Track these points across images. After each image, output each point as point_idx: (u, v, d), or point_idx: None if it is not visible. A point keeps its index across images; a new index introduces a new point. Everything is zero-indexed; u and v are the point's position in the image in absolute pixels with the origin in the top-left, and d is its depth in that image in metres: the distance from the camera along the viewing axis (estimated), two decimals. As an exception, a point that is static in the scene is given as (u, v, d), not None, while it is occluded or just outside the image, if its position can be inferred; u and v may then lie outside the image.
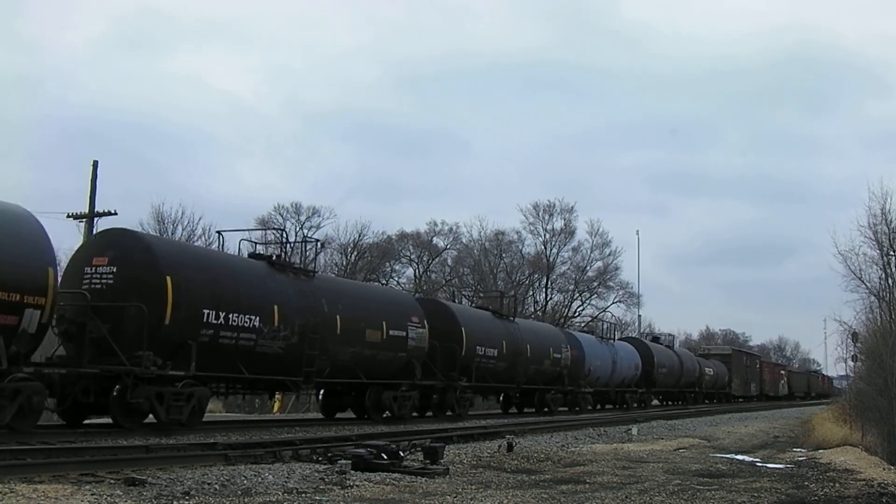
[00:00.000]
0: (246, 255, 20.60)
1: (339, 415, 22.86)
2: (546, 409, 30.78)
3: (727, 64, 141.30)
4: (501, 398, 31.75)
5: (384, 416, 21.73)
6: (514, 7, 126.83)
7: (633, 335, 55.62)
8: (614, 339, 40.85)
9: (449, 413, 24.67)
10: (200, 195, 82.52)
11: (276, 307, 17.71)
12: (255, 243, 21.66)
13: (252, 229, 21.69)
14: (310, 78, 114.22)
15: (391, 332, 21.60)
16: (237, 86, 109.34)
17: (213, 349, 16.14)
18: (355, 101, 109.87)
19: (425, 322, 23.33)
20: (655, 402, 48.17)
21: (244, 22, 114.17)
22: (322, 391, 22.93)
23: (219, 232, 20.92)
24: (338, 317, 19.64)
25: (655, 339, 51.72)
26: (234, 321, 16.59)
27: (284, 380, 18.66)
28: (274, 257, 19.31)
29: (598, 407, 38.81)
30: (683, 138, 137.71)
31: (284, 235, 21.58)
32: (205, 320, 15.99)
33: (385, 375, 21.70)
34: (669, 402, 49.19)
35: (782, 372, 77.28)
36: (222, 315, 16.33)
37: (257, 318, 17.13)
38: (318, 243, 22.04)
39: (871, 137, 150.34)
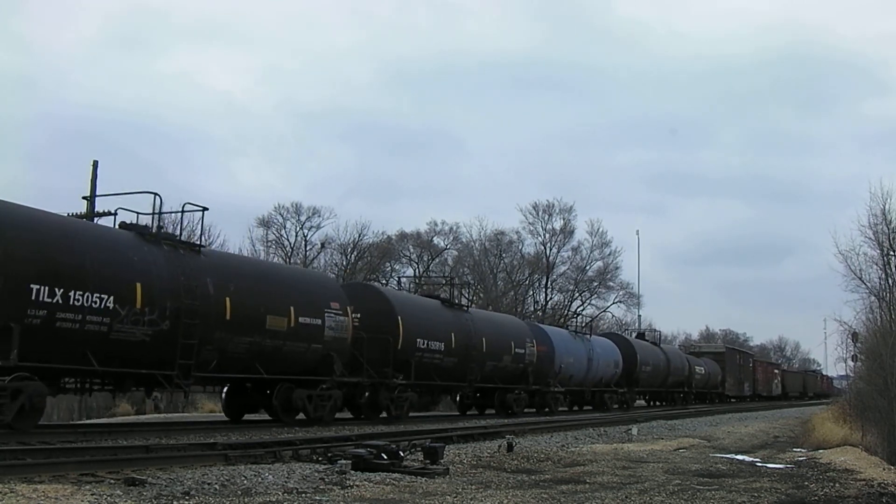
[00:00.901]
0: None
1: (248, 416, 20.06)
2: (510, 411, 27.72)
3: (722, 63, 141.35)
4: (459, 398, 29.08)
5: (296, 417, 19.11)
6: (506, 5, 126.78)
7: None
8: (590, 334, 37.69)
9: (384, 415, 21.85)
10: (197, 195, 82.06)
11: (138, 285, 14.80)
12: (140, 214, 16.77)
13: (126, 192, 16.86)
14: (303, 78, 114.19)
15: (301, 320, 18.60)
16: (231, 85, 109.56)
17: (47, 335, 13.37)
18: (349, 100, 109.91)
19: (348, 309, 20.28)
20: (642, 402, 46.29)
21: (237, 22, 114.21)
22: (225, 389, 19.87)
23: (85, 198, 17.43)
24: (227, 299, 16.61)
25: (640, 335, 48.87)
26: (78, 300, 13.64)
27: (153, 374, 15.54)
28: (150, 228, 16.24)
29: (575, 409, 36.41)
30: (679, 137, 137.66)
31: (158, 201, 16.50)
32: (33, 298, 13.09)
33: (296, 370, 18.76)
34: (656, 403, 47.15)
35: (776, 371, 75.09)
36: (59, 292, 13.36)
37: (111, 297, 14.18)
38: (204, 210, 17.54)
39: (868, 136, 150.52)
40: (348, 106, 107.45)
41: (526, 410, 29.39)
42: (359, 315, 20.85)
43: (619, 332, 51.35)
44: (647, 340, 46.18)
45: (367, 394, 21.72)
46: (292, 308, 18.51)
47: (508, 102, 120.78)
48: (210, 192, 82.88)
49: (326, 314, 19.50)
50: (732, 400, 57.70)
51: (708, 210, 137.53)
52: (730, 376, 57.19)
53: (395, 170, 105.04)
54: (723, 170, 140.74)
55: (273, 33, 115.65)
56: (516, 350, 28.07)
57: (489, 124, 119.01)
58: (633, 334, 53.48)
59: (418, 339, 22.66)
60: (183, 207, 17.50)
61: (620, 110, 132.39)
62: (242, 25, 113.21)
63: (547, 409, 30.59)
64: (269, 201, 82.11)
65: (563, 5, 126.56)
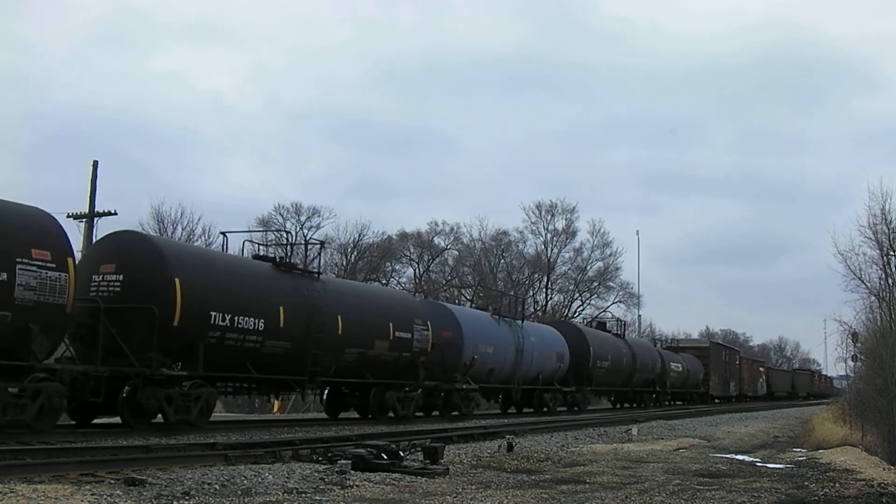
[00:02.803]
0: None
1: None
2: (392, 414, 21.67)
3: (711, 61, 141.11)
4: (327, 394, 22.89)
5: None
6: (491, 2, 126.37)
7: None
8: (522, 320, 30.85)
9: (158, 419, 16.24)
10: (190, 194, 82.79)
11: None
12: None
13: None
14: (291, 76, 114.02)
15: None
16: (219, 85, 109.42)
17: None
18: (338, 99, 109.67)
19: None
20: (606, 403, 41.70)
21: (224, 20, 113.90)
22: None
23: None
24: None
25: (601, 325, 42.26)
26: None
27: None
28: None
29: (511, 411, 31.09)
30: (671, 136, 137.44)
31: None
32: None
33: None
34: (619, 406, 41.67)
35: (761, 369, 69.02)
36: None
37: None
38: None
39: (859, 135, 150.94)
40: (337, 105, 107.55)
41: (417, 415, 23.87)
42: (120, 277, 15.62)
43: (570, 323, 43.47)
44: (608, 331, 40.21)
45: (127, 389, 15.58)
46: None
47: (498, 101, 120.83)
48: (203, 191, 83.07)
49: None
50: (717, 401, 52.99)
51: (701, 209, 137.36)
52: (714, 374, 52.12)
53: (388, 169, 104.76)
54: (715, 169, 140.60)
55: (260, 32, 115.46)
56: (398, 334, 21.67)
57: (480, 123, 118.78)
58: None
59: (214, 313, 16.27)
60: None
61: (611, 109, 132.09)
62: (229, 24, 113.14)
63: (456, 413, 24.87)
64: (263, 201, 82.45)
65: (548, 2, 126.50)
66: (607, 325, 42.36)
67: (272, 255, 19.93)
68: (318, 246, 22.19)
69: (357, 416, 22.57)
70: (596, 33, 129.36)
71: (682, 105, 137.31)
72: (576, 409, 33.48)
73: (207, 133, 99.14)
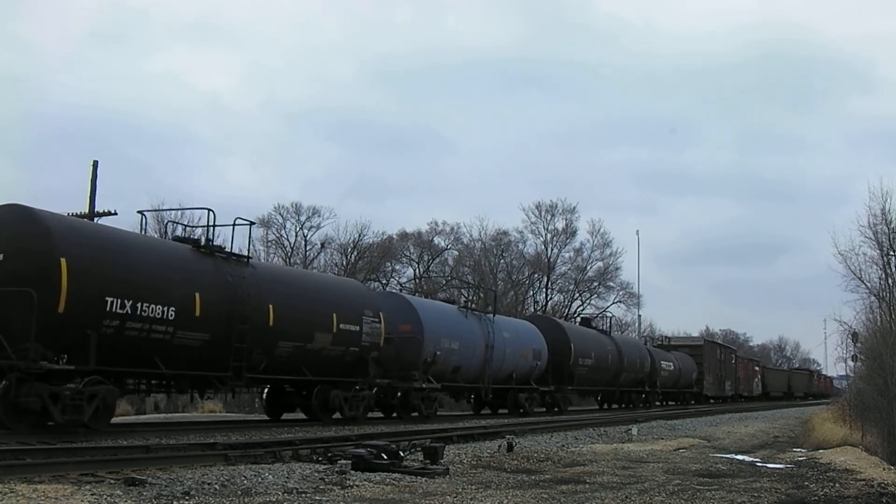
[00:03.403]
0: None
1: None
2: (339, 415, 19.93)
3: (707, 61, 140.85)
4: (267, 393, 21.06)
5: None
6: (485, 0, 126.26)
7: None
8: (493, 314, 28.56)
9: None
10: (189, 194, 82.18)
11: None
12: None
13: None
14: (286, 76, 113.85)
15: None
16: (216, 84, 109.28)
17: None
18: (333, 98, 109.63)
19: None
20: (593, 404, 39.73)
21: (219, 20, 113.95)
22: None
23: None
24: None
25: (586, 321, 40.72)
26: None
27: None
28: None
29: (486, 411, 28.96)
30: (667, 136, 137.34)
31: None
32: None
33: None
34: (607, 406, 39.66)
35: (756, 368, 66.83)
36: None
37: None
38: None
39: (856, 135, 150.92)
40: (333, 104, 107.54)
41: (389, 415, 23.24)
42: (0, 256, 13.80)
43: (544, 314, 41.98)
44: (593, 327, 38.26)
45: (4, 384, 13.27)
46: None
47: (494, 100, 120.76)
48: (202, 191, 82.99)
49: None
50: (711, 401, 50.98)
51: (699, 209, 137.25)
52: (709, 374, 50.07)
53: (386, 169, 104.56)
54: (712, 168, 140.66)
55: (256, 31, 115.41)
56: (342, 326, 19.58)
57: (476, 122, 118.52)
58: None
59: (110, 299, 14.22)
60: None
61: (607, 108, 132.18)
62: (225, 24, 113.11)
63: (415, 413, 22.97)
64: (261, 201, 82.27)
65: (542, 1, 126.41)
66: (593, 321, 40.61)
67: (195, 238, 17.67)
68: (248, 226, 18.75)
69: (304, 417, 20.50)
70: (591, 32, 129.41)
71: (678, 104, 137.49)
72: (556, 409, 31.32)
73: (204, 133, 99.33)
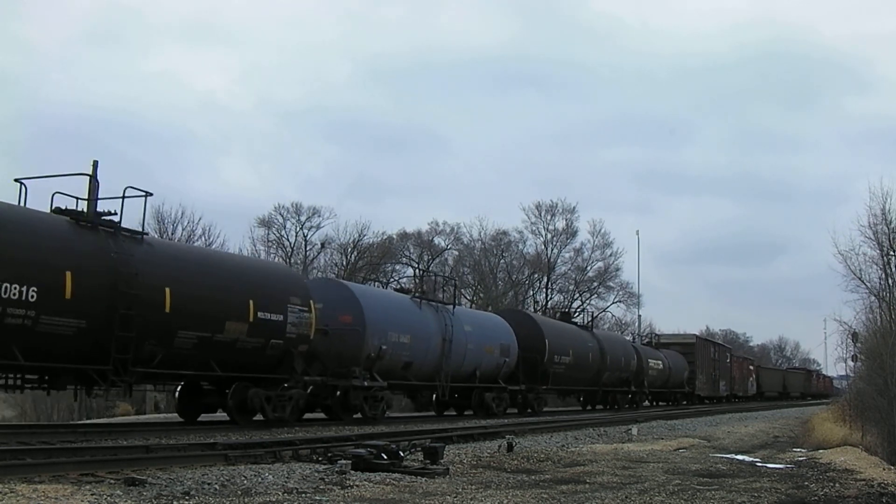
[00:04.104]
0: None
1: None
2: (259, 416, 17.52)
3: (703, 60, 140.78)
4: (179, 391, 18.42)
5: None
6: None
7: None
8: (454, 305, 26.32)
9: None
10: (186, 194, 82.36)
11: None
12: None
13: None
14: (281, 75, 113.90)
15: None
16: (212, 84, 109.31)
17: None
18: (329, 98, 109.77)
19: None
20: (580, 405, 37.38)
21: (215, 20, 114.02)
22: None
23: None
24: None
25: (565, 315, 38.24)
26: None
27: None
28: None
29: (450, 413, 26.56)
30: (664, 135, 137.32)
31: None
32: None
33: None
34: (590, 407, 37.16)
35: (751, 367, 64.85)
36: None
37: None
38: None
39: (853, 135, 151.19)
40: (329, 104, 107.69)
41: (332, 417, 20.61)
42: None
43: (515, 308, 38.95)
44: (573, 323, 36.05)
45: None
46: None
47: (490, 99, 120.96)
48: (199, 191, 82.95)
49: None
50: (706, 401, 48.99)
51: (695, 208, 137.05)
52: (701, 373, 47.93)
53: (382, 169, 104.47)
54: (709, 168, 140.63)
55: (250, 31, 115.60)
56: (261, 315, 17.23)
57: (471, 121, 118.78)
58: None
59: None
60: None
61: (603, 108, 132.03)
62: (220, 23, 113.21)
63: (358, 415, 20.52)
64: (260, 201, 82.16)
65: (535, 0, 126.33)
66: (573, 316, 38.51)
67: (76, 209, 14.84)
68: (144, 197, 15.83)
69: (226, 418, 18.00)
70: (585, 31, 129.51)
71: (675, 104, 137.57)
72: (529, 411, 28.99)
73: (201, 133, 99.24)
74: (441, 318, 24.12)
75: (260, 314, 17.18)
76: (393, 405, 23.68)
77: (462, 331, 24.86)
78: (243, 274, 18.01)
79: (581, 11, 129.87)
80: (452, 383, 24.40)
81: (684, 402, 46.58)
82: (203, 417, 18.53)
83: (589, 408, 37.19)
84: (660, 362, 42.76)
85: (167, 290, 15.17)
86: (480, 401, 26.12)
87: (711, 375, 50.43)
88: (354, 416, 20.54)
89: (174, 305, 15.22)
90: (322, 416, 21.24)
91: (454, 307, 26.09)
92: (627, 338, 49.90)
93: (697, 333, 56.91)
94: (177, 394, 18.61)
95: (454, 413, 26.83)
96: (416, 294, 25.21)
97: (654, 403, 43.84)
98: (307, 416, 20.53)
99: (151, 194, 15.76)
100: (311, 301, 18.72)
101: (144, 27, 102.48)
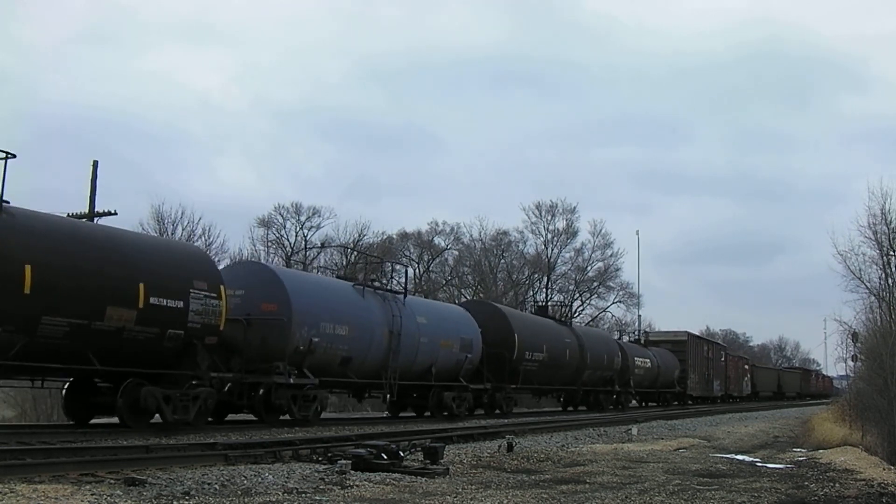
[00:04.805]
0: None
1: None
2: (160, 419, 15.28)
3: (699, 60, 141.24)
4: (66, 390, 16.09)
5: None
6: None
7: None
8: (405, 294, 23.73)
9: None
10: (184, 193, 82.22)
11: None
12: None
13: None
14: (277, 75, 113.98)
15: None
16: (208, 83, 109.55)
17: None
18: (325, 98, 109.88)
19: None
20: (561, 405, 34.99)
21: (209, 20, 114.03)
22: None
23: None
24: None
25: (542, 309, 35.53)
26: None
27: None
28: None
29: (411, 415, 24.41)
30: (661, 135, 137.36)
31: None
32: None
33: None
34: (572, 408, 34.77)
35: (746, 367, 62.72)
36: None
37: None
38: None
39: (849, 134, 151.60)
40: (325, 103, 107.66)
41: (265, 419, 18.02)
42: None
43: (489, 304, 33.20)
44: (550, 317, 33.44)
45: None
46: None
47: (486, 98, 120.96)
48: (196, 191, 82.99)
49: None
50: (698, 402, 46.83)
51: (693, 208, 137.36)
52: (694, 372, 45.74)
53: (379, 168, 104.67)
54: (707, 168, 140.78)
55: (247, 30, 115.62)
56: (154, 300, 14.89)
57: (467, 121, 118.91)
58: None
59: None
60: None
61: (600, 107, 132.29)
62: (216, 23, 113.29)
63: (285, 415, 18.32)
64: (259, 200, 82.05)
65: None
66: (550, 309, 35.75)
67: None
68: (4, 159, 13.50)
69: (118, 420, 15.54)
70: (581, 31, 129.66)
71: (672, 104, 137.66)
72: (497, 412, 26.80)
73: (198, 132, 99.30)
74: (388, 308, 21.53)
75: (153, 299, 14.76)
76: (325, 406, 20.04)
77: (413, 322, 22.30)
78: (131, 252, 15.21)
79: (576, 11, 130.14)
80: (403, 381, 21.87)
81: (675, 403, 44.70)
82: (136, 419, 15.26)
83: (569, 409, 35.14)
84: (648, 361, 40.53)
85: (27, 267, 12.88)
86: (439, 401, 23.68)
87: (705, 375, 48.59)
88: (282, 417, 18.36)
89: (37, 286, 12.90)
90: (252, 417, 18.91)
91: (405, 296, 23.35)
92: (614, 335, 48.31)
93: (698, 333, 56.20)
94: (63, 391, 16.24)
95: (413, 415, 24.71)
96: (360, 281, 22.46)
97: (644, 404, 42.32)
98: (232, 417, 18.89)
99: (14, 156, 13.56)
100: (222, 286, 16.30)
101: (141, 27, 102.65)
